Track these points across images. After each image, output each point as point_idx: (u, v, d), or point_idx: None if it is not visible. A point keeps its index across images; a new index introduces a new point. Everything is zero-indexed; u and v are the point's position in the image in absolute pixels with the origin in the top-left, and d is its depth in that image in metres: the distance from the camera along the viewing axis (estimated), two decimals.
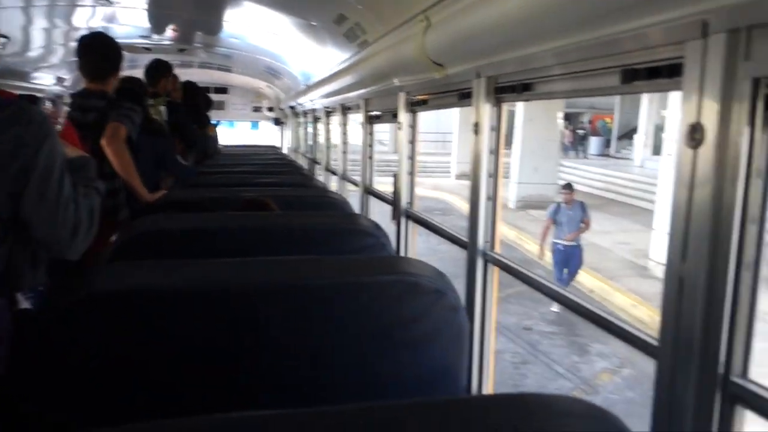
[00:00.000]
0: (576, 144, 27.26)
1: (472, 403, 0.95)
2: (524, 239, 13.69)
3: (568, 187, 9.79)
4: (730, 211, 1.04)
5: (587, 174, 21.97)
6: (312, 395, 1.40)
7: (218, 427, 0.74)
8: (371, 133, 3.92)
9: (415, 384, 1.53)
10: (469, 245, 2.18)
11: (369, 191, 3.95)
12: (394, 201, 3.10)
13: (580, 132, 27.74)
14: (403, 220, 3.03)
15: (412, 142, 3.00)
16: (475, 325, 2.13)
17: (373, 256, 1.96)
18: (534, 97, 1.78)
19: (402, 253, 3.05)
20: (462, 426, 0.84)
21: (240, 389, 1.28)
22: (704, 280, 1.08)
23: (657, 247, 11.22)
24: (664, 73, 1.16)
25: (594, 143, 27.89)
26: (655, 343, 1.23)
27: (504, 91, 1.92)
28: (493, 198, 2.09)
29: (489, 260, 2.09)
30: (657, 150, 22.88)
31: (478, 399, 1.03)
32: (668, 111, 11.23)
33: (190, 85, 5.27)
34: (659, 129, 22.88)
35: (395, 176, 3.14)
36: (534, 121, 16.75)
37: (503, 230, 14.27)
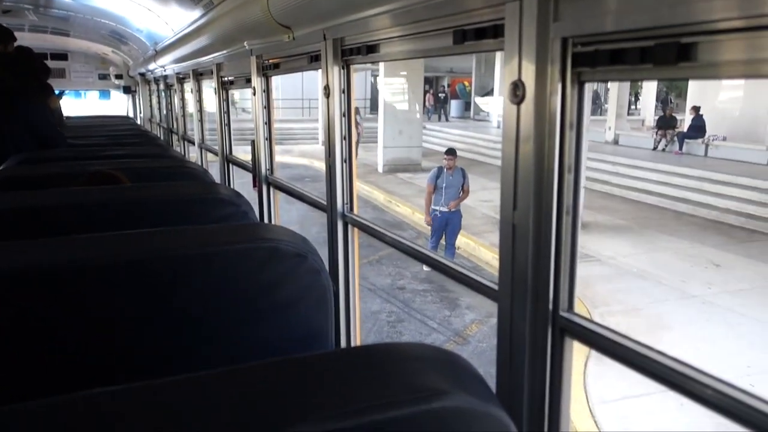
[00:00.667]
0: (438, 107, 28.16)
1: (329, 357, 0.98)
2: (394, 202, 14.04)
3: (451, 152, 9.46)
4: (551, 161, 1.14)
5: (449, 136, 22.84)
6: (179, 369, 1.38)
7: (75, 405, 0.71)
8: (226, 100, 3.80)
9: (284, 349, 1.56)
10: (328, 208, 2.21)
11: (229, 160, 3.85)
12: (253, 168, 3.06)
13: (441, 95, 28.69)
14: (264, 188, 3.00)
15: (268, 107, 2.96)
16: (340, 286, 2.17)
17: (233, 224, 1.93)
18: (378, 58, 1.82)
19: (266, 221, 3.03)
20: (317, 378, 0.88)
21: (101, 368, 1.23)
22: (532, 226, 1.18)
23: None
24: (489, 34, 1.23)
25: (454, 106, 28.99)
26: (495, 287, 1.33)
27: (351, 53, 1.94)
28: (348, 160, 2.13)
29: (348, 222, 2.13)
30: None
31: (336, 353, 1.06)
32: None
33: (23, 51, 4.78)
34: None
35: (253, 143, 3.09)
36: (397, 85, 17.05)
37: (374, 194, 14.55)
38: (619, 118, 18.89)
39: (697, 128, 16.67)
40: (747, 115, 16.41)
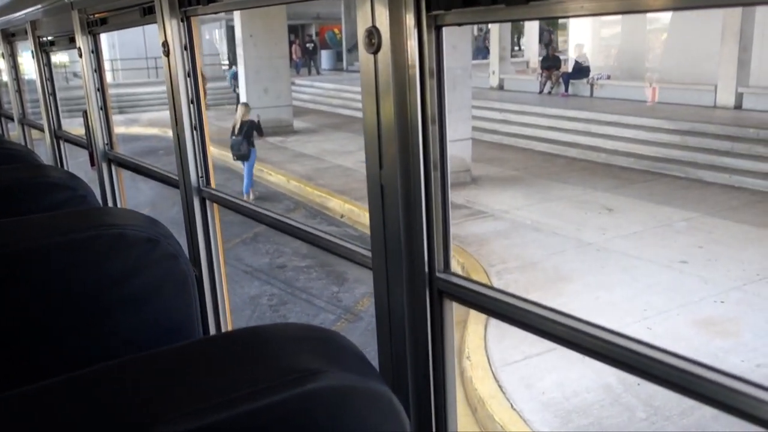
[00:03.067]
0: (306, 59, 27.90)
1: (188, 349, 0.98)
2: (266, 170, 13.87)
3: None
4: (413, 113, 1.18)
5: (321, 91, 22.76)
6: (19, 380, 1.33)
7: None
8: (48, 64, 3.57)
9: (143, 346, 1.53)
10: (180, 184, 2.16)
11: (59, 136, 3.64)
12: (89, 144, 2.91)
13: (309, 46, 28.39)
14: (104, 166, 2.87)
15: (99, 70, 2.81)
16: (203, 271, 2.15)
17: (67, 210, 1.85)
18: (224, 7, 1.79)
19: (111, 204, 2.90)
20: (176, 373, 0.88)
21: None
22: (400, 184, 1.23)
23: None
24: None
25: (325, 57, 28.83)
26: (368, 254, 1.37)
27: (190, 2, 1.89)
28: (199, 127, 2.08)
29: (206, 197, 2.10)
30: None
31: (196, 343, 1.06)
32: None
33: None
34: None
35: (85, 114, 2.93)
36: (257, 37, 16.68)
37: (241, 165, 14.24)
38: (502, 62, 19.65)
39: (581, 67, 17.71)
40: (627, 51, 17.62)
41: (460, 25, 1.12)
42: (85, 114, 2.92)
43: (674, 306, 7.25)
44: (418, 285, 1.26)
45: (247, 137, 11.80)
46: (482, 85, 19.55)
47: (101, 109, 2.82)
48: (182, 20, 1.97)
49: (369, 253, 1.38)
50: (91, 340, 1.49)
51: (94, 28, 2.71)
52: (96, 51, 2.77)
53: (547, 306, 1.06)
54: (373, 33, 1.18)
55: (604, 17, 17.27)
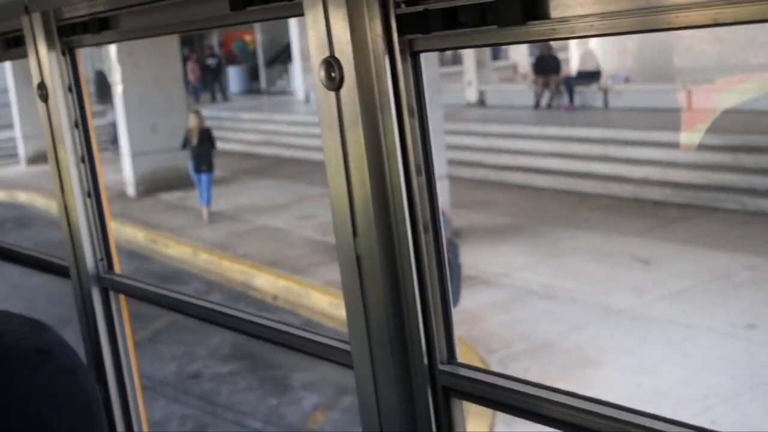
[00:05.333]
0: (209, 81, 28.00)
1: None
2: (161, 241, 13.88)
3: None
4: (393, 163, 1.31)
5: (233, 124, 22.97)
6: None
7: None
8: None
9: None
10: (71, 270, 2.24)
11: None
12: None
13: (211, 62, 28.41)
14: None
15: None
16: (110, 388, 2.23)
17: None
18: (120, 36, 1.92)
19: None
20: None
21: None
22: (381, 255, 1.35)
23: None
24: None
25: (233, 77, 29.00)
26: (347, 348, 1.48)
27: (75, 31, 2.01)
28: (94, 193, 2.18)
29: (109, 287, 2.19)
30: None
31: None
32: None
33: None
34: None
35: None
36: (138, 55, 16.88)
37: (127, 233, 14.26)
38: (481, 68, 20.20)
39: (588, 70, 18.30)
40: (649, 44, 18.24)
41: (442, 50, 1.26)
42: None
43: (745, 389, 7.43)
44: (416, 382, 1.36)
45: (208, 145, 15.04)
46: (455, 101, 19.99)
47: None
48: (63, 53, 2.10)
49: (346, 346, 1.49)
50: None
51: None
52: None
53: (598, 399, 1.19)
54: (332, 64, 1.32)
55: None
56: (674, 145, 13.84)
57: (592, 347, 8.43)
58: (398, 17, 1.26)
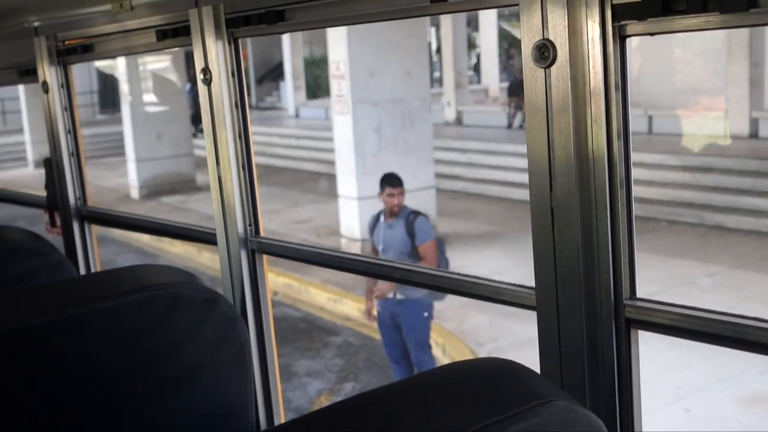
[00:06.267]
0: None
1: (421, 383, 1.21)
2: (167, 241, 13.88)
3: (392, 181, 7.53)
4: (597, 128, 1.46)
5: None
6: None
7: None
8: None
9: (195, 424, 1.71)
10: (220, 235, 2.35)
11: None
12: (52, 199, 3.06)
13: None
14: (76, 226, 3.02)
15: (70, 108, 3.00)
16: (252, 338, 2.33)
17: (107, 270, 2.03)
18: (289, 28, 2.05)
19: (93, 270, 3.05)
20: (431, 400, 1.10)
21: None
22: (579, 206, 1.49)
23: (348, 217, 12.49)
24: None
25: None
26: (531, 293, 1.62)
27: (236, 23, 2.15)
28: (248, 166, 2.30)
29: (256, 249, 2.30)
30: (314, 93, 25.03)
31: (423, 376, 1.26)
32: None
33: None
34: (312, 64, 25.04)
35: (47, 163, 3.10)
36: (143, 70, 16.91)
37: (131, 233, 14.22)
38: (459, 89, 20.43)
39: None
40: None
41: (652, 35, 1.41)
42: (47, 162, 3.07)
43: (712, 381, 7.63)
44: (602, 316, 1.51)
45: None
46: (435, 120, 20.16)
47: (72, 155, 3.00)
48: (229, 42, 2.22)
49: (530, 291, 1.62)
50: (142, 418, 1.67)
51: (67, 57, 2.91)
52: (67, 85, 2.96)
53: None
54: (546, 46, 1.46)
55: None
56: (637, 164, 14.05)
57: None
58: (614, 5, 1.40)
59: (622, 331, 1.51)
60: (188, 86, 24.46)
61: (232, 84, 2.26)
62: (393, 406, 1.12)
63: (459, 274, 1.91)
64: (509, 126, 19.23)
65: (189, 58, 28.20)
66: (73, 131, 3.00)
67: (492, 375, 1.19)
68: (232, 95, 2.27)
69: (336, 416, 1.12)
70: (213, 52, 2.22)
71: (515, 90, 19.44)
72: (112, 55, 3.00)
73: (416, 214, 7.35)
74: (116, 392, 1.65)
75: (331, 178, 13.72)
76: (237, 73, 2.26)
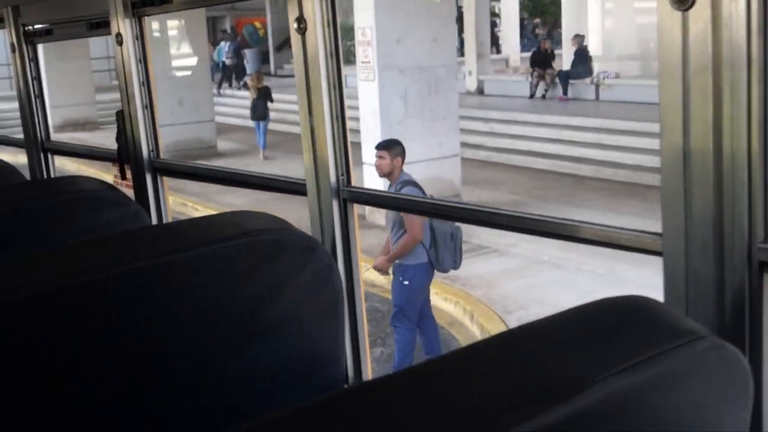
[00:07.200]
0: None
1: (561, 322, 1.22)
2: (191, 204, 13.95)
3: (380, 144, 8.08)
4: (736, 70, 1.46)
5: (248, 102, 22.89)
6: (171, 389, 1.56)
7: None
8: (35, 59, 3.72)
9: (284, 375, 1.73)
10: (311, 185, 2.37)
11: (47, 149, 3.79)
12: (124, 152, 3.08)
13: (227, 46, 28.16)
14: (148, 178, 3.04)
15: (144, 61, 3.01)
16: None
17: (206, 216, 2.05)
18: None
19: (164, 221, 3.07)
20: (590, 335, 1.11)
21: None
22: (714, 151, 1.49)
23: (372, 184, 12.49)
24: None
25: (251, 59, 28.82)
26: (656, 238, 1.63)
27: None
28: (341, 116, 2.31)
29: (348, 198, 2.31)
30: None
31: (559, 318, 1.25)
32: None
33: None
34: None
35: (119, 115, 3.11)
36: (166, 36, 16.87)
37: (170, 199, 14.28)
38: (481, 59, 20.33)
39: (582, 63, 18.49)
40: (636, 44, 18.41)
41: None
42: (120, 115, 3.08)
43: None
44: (734, 260, 1.51)
45: (264, 99, 17.17)
46: (457, 89, 20.17)
47: (146, 108, 3.00)
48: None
49: (656, 238, 1.63)
50: (237, 362, 1.69)
51: (142, 9, 2.90)
52: (141, 38, 2.96)
53: None
54: None
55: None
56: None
57: None
58: None
59: (755, 276, 1.51)
60: (225, 45, 24.73)
61: (328, 34, 2.26)
62: (522, 347, 1.13)
63: (578, 221, 1.91)
64: (531, 96, 19.14)
65: (212, 22, 28.17)
66: (146, 84, 3.01)
67: (635, 312, 1.20)
68: (328, 45, 2.27)
69: (467, 361, 1.12)
70: (309, 1, 2.22)
71: (537, 60, 19.32)
72: (188, 7, 3.03)
73: (406, 183, 7.39)
74: (217, 337, 1.67)
75: (355, 146, 13.68)
76: (333, 23, 2.26)
